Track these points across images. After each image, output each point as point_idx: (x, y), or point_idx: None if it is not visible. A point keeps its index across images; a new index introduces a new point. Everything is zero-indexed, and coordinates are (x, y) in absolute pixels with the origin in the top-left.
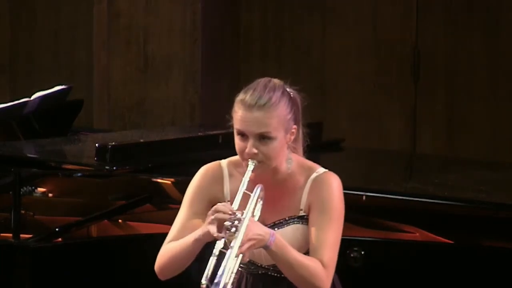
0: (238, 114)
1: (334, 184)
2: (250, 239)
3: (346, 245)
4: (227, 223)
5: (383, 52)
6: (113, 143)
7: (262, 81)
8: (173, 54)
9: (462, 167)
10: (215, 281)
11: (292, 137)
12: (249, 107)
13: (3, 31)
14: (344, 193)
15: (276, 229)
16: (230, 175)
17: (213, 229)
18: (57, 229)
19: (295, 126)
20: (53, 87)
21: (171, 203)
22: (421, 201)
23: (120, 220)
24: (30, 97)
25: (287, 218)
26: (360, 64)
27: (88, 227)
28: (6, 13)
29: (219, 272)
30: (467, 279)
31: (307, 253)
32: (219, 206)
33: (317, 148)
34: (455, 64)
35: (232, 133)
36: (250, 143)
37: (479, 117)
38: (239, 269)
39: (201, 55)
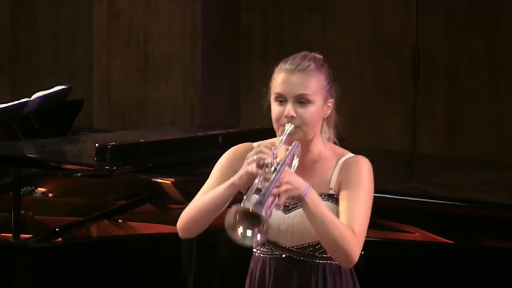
0: (278, 79)
1: (364, 164)
2: (287, 182)
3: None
4: (267, 160)
5: (383, 52)
6: (113, 143)
7: (301, 52)
8: (173, 54)
9: (462, 167)
10: (256, 201)
11: (329, 112)
12: (290, 70)
13: (3, 31)
14: None
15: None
16: None
17: (252, 166)
18: (57, 229)
19: (331, 100)
20: (53, 87)
21: (171, 203)
22: (421, 201)
23: (120, 220)
24: (30, 97)
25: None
26: (360, 64)
27: (88, 227)
28: (6, 13)
29: (261, 193)
30: (467, 279)
31: None
32: (261, 147)
33: None
34: (455, 64)
35: (232, 133)
36: (289, 105)
37: (479, 117)
38: (261, 255)
39: (201, 55)
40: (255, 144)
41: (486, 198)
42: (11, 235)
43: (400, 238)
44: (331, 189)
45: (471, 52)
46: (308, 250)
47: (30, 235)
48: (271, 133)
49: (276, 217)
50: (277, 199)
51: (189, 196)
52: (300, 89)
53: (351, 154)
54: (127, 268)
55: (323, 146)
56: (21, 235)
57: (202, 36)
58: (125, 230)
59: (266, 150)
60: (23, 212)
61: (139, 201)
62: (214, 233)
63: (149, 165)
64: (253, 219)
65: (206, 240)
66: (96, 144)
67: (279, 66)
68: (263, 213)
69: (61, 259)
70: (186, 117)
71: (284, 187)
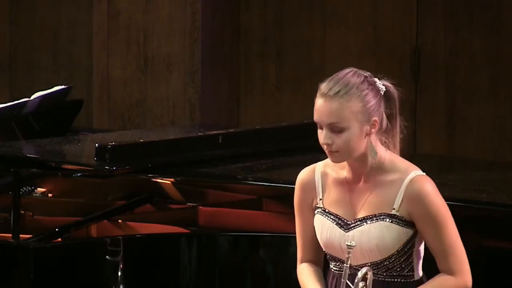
0: (315, 104)
1: (429, 189)
2: None
3: None
4: None
5: (383, 52)
6: (113, 143)
7: (344, 70)
8: (173, 54)
9: (462, 167)
10: None
11: (374, 130)
12: (322, 96)
13: (3, 31)
14: None
15: (364, 223)
16: (323, 175)
17: None
18: (57, 229)
19: (375, 119)
20: (53, 87)
21: (171, 203)
22: None
23: (120, 220)
24: (29, 97)
25: (377, 214)
26: (360, 64)
27: (88, 227)
28: (6, 13)
29: None
30: None
31: (400, 251)
32: None
33: (318, 148)
34: (455, 64)
35: (232, 133)
36: (324, 133)
37: (479, 117)
38: (333, 270)
39: (201, 55)
40: (319, 165)
41: (486, 198)
42: (10, 235)
43: None
44: (394, 209)
45: (471, 52)
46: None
47: (30, 235)
48: (271, 133)
49: (337, 235)
50: None
51: (189, 196)
52: (330, 118)
53: (416, 172)
54: (127, 268)
55: (376, 160)
56: (21, 235)
57: (202, 36)
58: (125, 230)
59: None
60: (23, 212)
61: (139, 201)
62: (214, 233)
63: (149, 165)
64: None
65: (206, 240)
66: (96, 144)
67: (319, 87)
68: None
69: (61, 259)
70: (186, 117)
71: None
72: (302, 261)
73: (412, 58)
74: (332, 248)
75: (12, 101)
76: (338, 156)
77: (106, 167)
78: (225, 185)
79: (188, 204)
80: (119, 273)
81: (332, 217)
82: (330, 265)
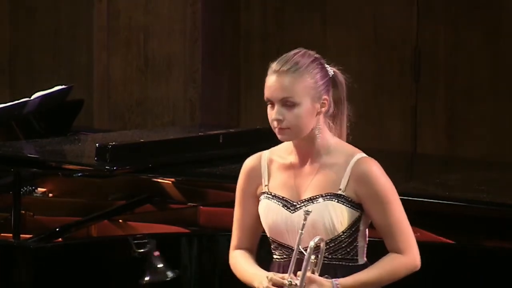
0: (266, 82)
1: (375, 170)
2: None
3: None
4: None
5: (384, 52)
6: (113, 143)
7: (294, 50)
8: (173, 54)
9: (462, 167)
10: None
11: (324, 109)
12: (274, 72)
13: (3, 31)
14: None
15: (310, 203)
16: (269, 162)
17: None
18: (57, 229)
19: (325, 97)
20: (53, 87)
21: (171, 203)
22: (421, 201)
23: (120, 220)
24: (30, 97)
25: (323, 194)
26: (360, 64)
27: (88, 227)
28: (6, 13)
29: None
30: (467, 279)
31: (345, 232)
32: (274, 279)
33: None
34: (455, 64)
35: (232, 133)
36: (275, 109)
37: (479, 117)
38: (277, 260)
39: (201, 55)
40: (265, 153)
41: (486, 198)
42: (11, 235)
43: None
44: (340, 189)
45: (472, 52)
46: (318, 250)
47: (30, 235)
48: (271, 133)
49: (283, 217)
50: None
51: (189, 196)
52: (283, 93)
53: (360, 154)
54: (127, 268)
55: (322, 140)
56: (21, 235)
57: (202, 36)
58: (125, 230)
59: (279, 280)
60: (23, 212)
61: (139, 201)
62: (214, 233)
63: (149, 165)
64: None
65: (206, 240)
66: (96, 144)
67: (269, 66)
68: None
69: (61, 259)
70: (186, 117)
71: None
72: (236, 248)
73: (412, 58)
74: (278, 232)
75: (12, 101)
76: (288, 133)
77: (106, 167)
78: (225, 185)
79: (189, 204)
80: (119, 273)
81: (277, 199)
82: (274, 256)
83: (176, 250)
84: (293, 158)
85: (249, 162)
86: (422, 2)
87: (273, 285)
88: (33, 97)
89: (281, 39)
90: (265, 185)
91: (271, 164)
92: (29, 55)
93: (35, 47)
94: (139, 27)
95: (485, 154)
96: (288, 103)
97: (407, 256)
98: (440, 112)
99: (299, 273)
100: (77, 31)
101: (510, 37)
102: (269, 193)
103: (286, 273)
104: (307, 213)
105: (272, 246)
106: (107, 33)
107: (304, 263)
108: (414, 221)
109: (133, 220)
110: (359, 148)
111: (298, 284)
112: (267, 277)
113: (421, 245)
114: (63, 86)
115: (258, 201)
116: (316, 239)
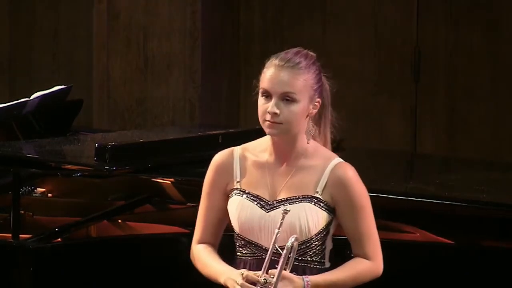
0: (267, 74)
1: (352, 175)
2: None
3: (346, 245)
4: None
5: (384, 52)
6: (113, 143)
7: (295, 48)
8: (173, 54)
9: (462, 167)
10: None
11: (315, 111)
12: (278, 66)
13: (3, 31)
14: None
15: (287, 204)
16: (242, 158)
17: None
18: (56, 229)
19: (318, 100)
20: (53, 87)
21: (171, 203)
22: (421, 201)
23: (120, 220)
24: (29, 97)
25: (300, 196)
26: (360, 64)
27: (88, 227)
28: (6, 13)
29: None
30: (467, 279)
31: (317, 235)
32: (250, 276)
33: None
34: (455, 63)
35: (232, 133)
36: (273, 102)
37: (479, 117)
38: (243, 257)
39: (201, 55)
40: (237, 149)
41: (486, 198)
42: (10, 235)
43: (400, 238)
44: (318, 192)
45: (472, 51)
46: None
47: (30, 235)
48: None
49: (257, 215)
50: None
51: (189, 196)
52: (286, 87)
53: (338, 159)
54: (127, 268)
55: (305, 143)
56: (21, 235)
57: (202, 36)
58: (125, 230)
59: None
60: (22, 212)
61: (139, 201)
62: None
63: (149, 165)
64: None
65: None
66: (96, 144)
67: (270, 60)
68: None
69: (61, 259)
70: (186, 117)
71: None
72: (199, 243)
73: (412, 58)
74: (250, 230)
75: (12, 101)
76: (280, 128)
77: (106, 167)
78: None
79: (188, 204)
80: (119, 273)
81: (252, 197)
82: (238, 253)
83: (176, 250)
84: (268, 156)
85: (219, 157)
86: (422, 2)
87: (246, 281)
88: (32, 97)
89: (281, 39)
90: (237, 182)
91: (244, 161)
92: (29, 55)
93: (35, 47)
94: (139, 27)
95: (485, 154)
96: (287, 98)
97: (373, 263)
98: (440, 112)
99: (271, 271)
100: (77, 31)
101: (510, 37)
102: (241, 190)
103: (251, 270)
104: (286, 212)
105: (238, 243)
106: (107, 33)
107: (281, 262)
108: (414, 221)
109: (132, 220)
110: (359, 148)
111: (274, 281)
112: (242, 274)
113: (421, 245)
114: (63, 86)
115: (226, 196)
116: (293, 238)
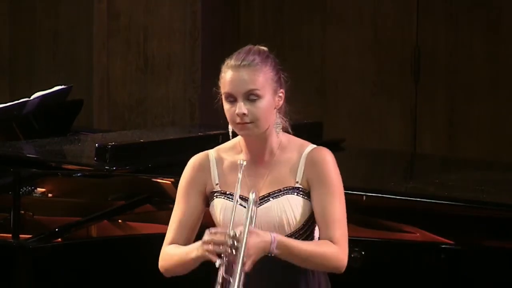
0: (226, 77)
1: (329, 158)
2: (251, 255)
3: None
4: (225, 249)
5: (383, 52)
6: (113, 143)
7: (247, 46)
8: (173, 54)
9: (462, 167)
10: None
11: (281, 102)
12: (235, 67)
13: (3, 31)
14: (345, 193)
15: (271, 198)
16: (218, 160)
17: (213, 258)
18: (57, 229)
19: (282, 90)
20: (53, 87)
21: (171, 203)
22: (421, 201)
23: (120, 220)
24: (29, 97)
25: (282, 189)
26: (360, 64)
27: (88, 227)
28: (6, 13)
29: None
30: (467, 279)
31: (305, 225)
32: (213, 236)
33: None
34: (455, 63)
35: (232, 133)
36: (239, 103)
37: (479, 117)
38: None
39: (201, 55)
40: (211, 151)
41: (486, 198)
42: (10, 235)
43: (400, 238)
44: (297, 182)
45: (472, 51)
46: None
47: (30, 235)
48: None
49: (239, 212)
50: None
51: None
52: (248, 85)
53: (312, 145)
54: (127, 268)
55: (277, 137)
56: (21, 235)
57: (202, 36)
58: (125, 230)
59: (218, 237)
60: (22, 212)
61: (139, 201)
62: None
63: (149, 165)
64: None
65: None
66: (96, 144)
67: (225, 63)
68: None
69: (61, 259)
70: (186, 117)
71: (249, 262)
72: (172, 243)
73: (412, 58)
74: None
75: (12, 101)
76: (251, 127)
77: (106, 167)
78: None
79: None
80: (119, 273)
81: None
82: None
83: None
84: (243, 156)
85: (196, 159)
86: (422, 2)
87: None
88: (32, 97)
89: (281, 39)
90: (216, 184)
91: (221, 163)
92: (29, 55)
93: (35, 47)
94: (139, 27)
95: (485, 154)
96: (252, 96)
97: (339, 249)
98: (440, 112)
99: (237, 228)
100: (77, 31)
101: (510, 37)
102: (222, 192)
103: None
104: (256, 202)
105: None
106: (107, 33)
107: (249, 217)
108: (414, 221)
109: (133, 220)
110: (359, 148)
111: (244, 236)
112: (210, 230)
113: (421, 245)
114: (63, 86)
115: (203, 198)
116: (253, 194)
